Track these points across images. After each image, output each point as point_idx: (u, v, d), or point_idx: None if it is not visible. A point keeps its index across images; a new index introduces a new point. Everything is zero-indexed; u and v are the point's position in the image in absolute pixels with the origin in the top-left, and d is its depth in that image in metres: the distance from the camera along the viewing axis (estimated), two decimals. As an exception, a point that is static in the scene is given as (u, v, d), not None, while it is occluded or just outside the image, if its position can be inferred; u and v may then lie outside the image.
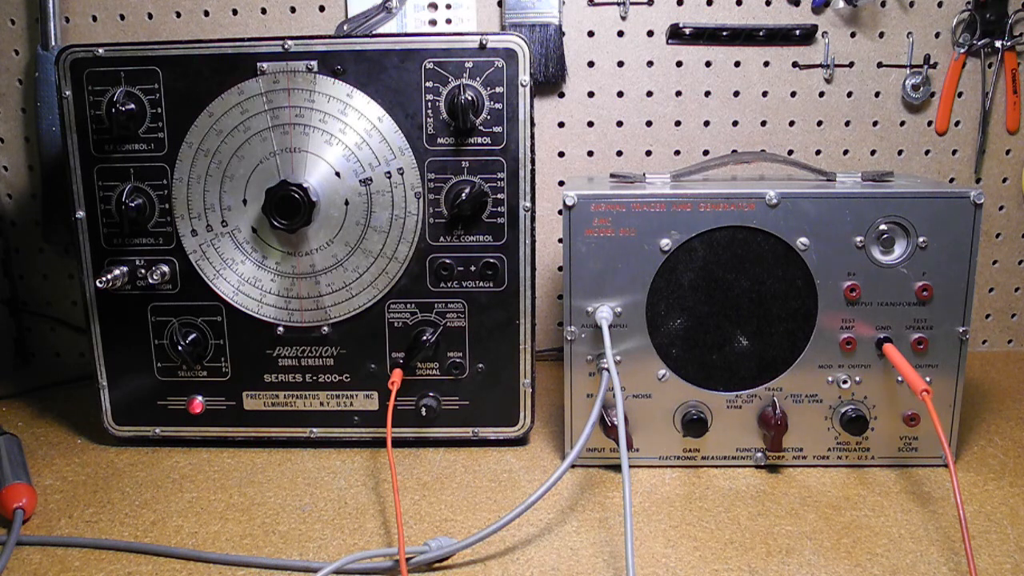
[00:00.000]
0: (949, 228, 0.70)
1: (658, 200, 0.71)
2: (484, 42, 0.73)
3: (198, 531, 0.66)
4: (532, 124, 0.75)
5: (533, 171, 0.76)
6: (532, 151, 0.75)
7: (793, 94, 1.03)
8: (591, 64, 1.03)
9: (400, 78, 0.74)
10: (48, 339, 1.10)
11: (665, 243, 0.71)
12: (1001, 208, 1.06)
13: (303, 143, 0.75)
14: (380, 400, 0.80)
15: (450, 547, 0.60)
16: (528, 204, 0.76)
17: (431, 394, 0.80)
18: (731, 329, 0.73)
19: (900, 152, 1.05)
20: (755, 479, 0.73)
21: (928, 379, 0.72)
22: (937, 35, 1.01)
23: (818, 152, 1.05)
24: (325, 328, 0.79)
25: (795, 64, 1.02)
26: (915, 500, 0.69)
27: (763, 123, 1.04)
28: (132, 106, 0.74)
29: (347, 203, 0.76)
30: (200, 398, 0.81)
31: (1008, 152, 1.05)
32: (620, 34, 1.02)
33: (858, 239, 0.70)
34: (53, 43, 0.99)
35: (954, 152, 1.05)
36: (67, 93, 0.75)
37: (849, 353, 0.72)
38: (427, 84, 0.74)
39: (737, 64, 1.02)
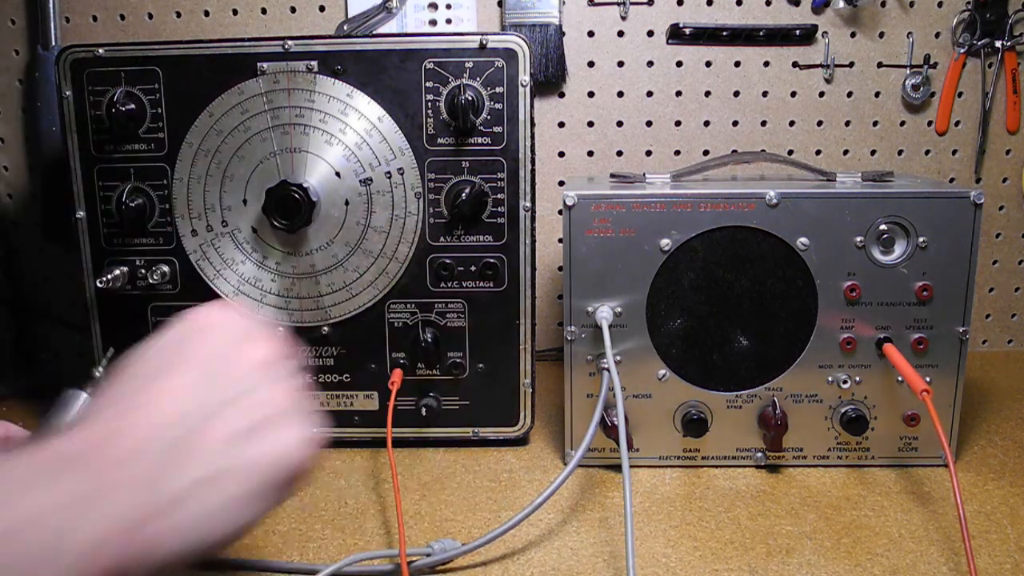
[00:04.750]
0: (949, 228, 0.70)
1: (658, 200, 0.71)
2: (484, 42, 0.73)
3: (198, 531, 0.66)
4: (532, 124, 0.75)
5: (533, 171, 0.76)
6: (532, 151, 0.75)
7: (793, 94, 1.03)
8: (591, 64, 1.03)
9: (400, 78, 0.74)
10: (48, 339, 1.10)
11: (665, 243, 0.71)
12: (1001, 208, 1.06)
13: (303, 143, 0.75)
14: (380, 400, 0.80)
15: (453, 551, 0.60)
16: (528, 204, 0.76)
17: (431, 394, 0.80)
18: (731, 329, 0.73)
19: (900, 152, 1.05)
20: (755, 479, 0.73)
21: (928, 379, 0.71)
22: (937, 35, 1.01)
23: (818, 152, 1.05)
24: (325, 328, 0.79)
25: (795, 64, 1.02)
26: (915, 500, 0.69)
27: (763, 123, 1.04)
28: (132, 106, 0.74)
29: (347, 203, 0.76)
30: (200, 398, 0.80)
31: (1008, 152, 1.05)
32: (620, 34, 1.02)
33: (858, 239, 0.70)
34: (53, 43, 0.99)
35: (954, 152, 1.05)
36: (67, 93, 0.75)
37: (849, 353, 0.72)
38: (427, 84, 0.74)
39: (737, 64, 1.02)
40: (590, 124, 1.04)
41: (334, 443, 0.82)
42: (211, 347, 0.43)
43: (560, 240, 1.01)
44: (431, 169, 0.76)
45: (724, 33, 1.00)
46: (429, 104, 0.75)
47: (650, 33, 1.02)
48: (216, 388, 0.41)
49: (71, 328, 1.09)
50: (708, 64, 1.02)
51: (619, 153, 1.05)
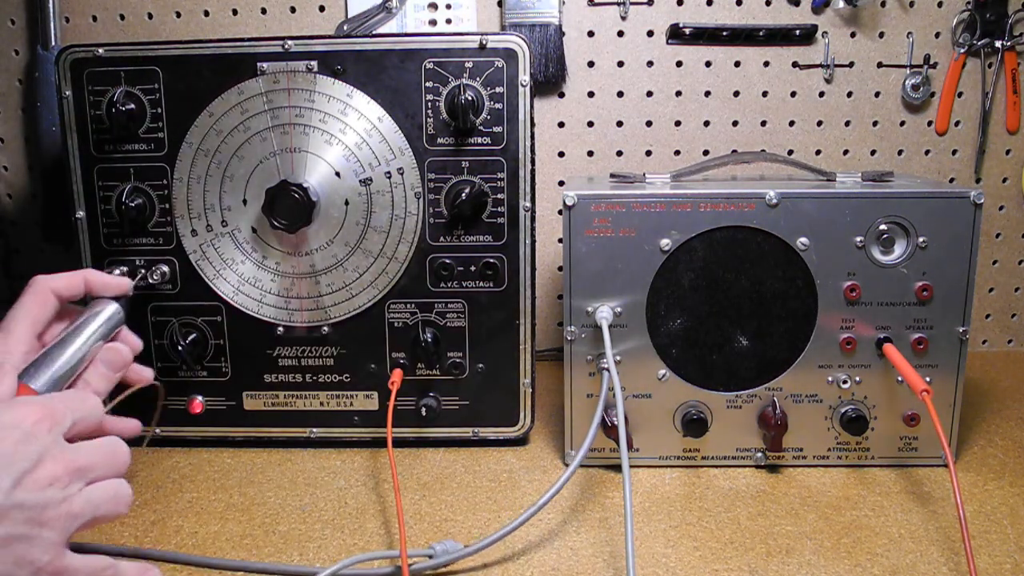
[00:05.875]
0: (949, 228, 0.70)
1: (658, 200, 0.71)
2: (484, 42, 0.73)
3: (198, 531, 0.66)
4: (532, 124, 0.75)
5: (533, 171, 0.76)
6: (532, 151, 0.75)
7: (793, 94, 1.03)
8: (591, 64, 1.03)
9: (400, 78, 0.74)
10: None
11: (665, 243, 0.71)
12: (1001, 208, 1.06)
13: (303, 143, 0.75)
14: (380, 400, 0.80)
15: (456, 553, 0.60)
16: (528, 204, 0.76)
17: (431, 394, 0.80)
18: (731, 329, 0.73)
19: (900, 152, 1.05)
20: (755, 479, 0.73)
21: (928, 379, 0.71)
22: (937, 35, 1.01)
23: (818, 152, 1.05)
24: (325, 328, 0.79)
25: (795, 64, 1.02)
26: (915, 500, 0.69)
27: (763, 123, 1.04)
28: (132, 106, 0.74)
29: (347, 203, 0.76)
30: (200, 398, 0.80)
31: (1008, 152, 1.05)
32: (620, 34, 1.02)
33: (858, 239, 0.70)
34: (53, 43, 0.99)
35: (954, 152, 1.05)
36: (67, 93, 0.75)
37: (849, 353, 0.72)
38: (427, 84, 0.74)
39: (737, 64, 1.02)
40: (590, 124, 1.04)
41: (334, 443, 0.82)
42: (20, 450, 0.45)
43: (560, 240, 1.02)
44: (431, 169, 0.76)
45: (724, 33, 1.01)
46: (429, 104, 0.75)
47: (650, 33, 1.02)
48: (4, 492, 0.44)
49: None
50: (708, 64, 1.02)
51: (619, 153, 1.05)
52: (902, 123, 1.04)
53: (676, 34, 1.01)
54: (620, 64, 1.02)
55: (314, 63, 0.74)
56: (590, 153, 1.05)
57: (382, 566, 0.60)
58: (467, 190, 0.74)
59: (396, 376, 0.77)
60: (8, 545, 0.43)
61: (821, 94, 1.03)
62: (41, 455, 0.46)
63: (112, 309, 0.64)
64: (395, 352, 0.79)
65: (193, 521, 0.68)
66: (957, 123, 1.04)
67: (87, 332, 0.61)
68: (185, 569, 0.60)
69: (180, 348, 0.77)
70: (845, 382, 0.73)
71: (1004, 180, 1.06)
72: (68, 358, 0.59)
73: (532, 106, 0.75)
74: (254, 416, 0.81)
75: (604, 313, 0.72)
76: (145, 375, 0.67)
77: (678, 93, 1.03)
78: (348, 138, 0.75)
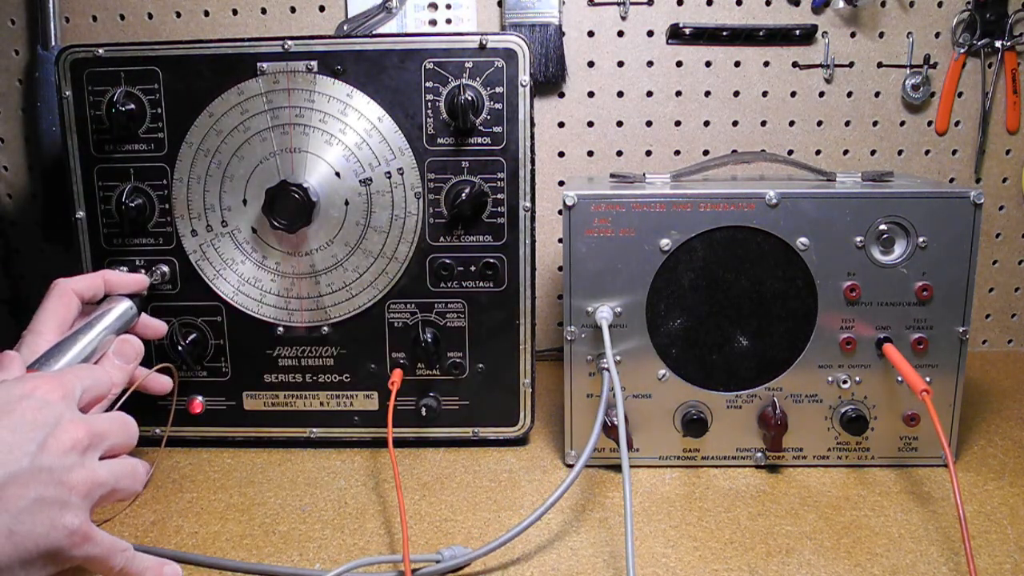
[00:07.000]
0: (949, 228, 0.70)
1: (658, 200, 0.71)
2: (484, 42, 0.73)
3: (198, 531, 0.66)
4: (532, 124, 0.75)
5: (533, 171, 0.76)
6: (532, 151, 0.75)
7: (793, 94, 1.03)
8: (591, 64, 1.03)
9: (400, 78, 0.74)
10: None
11: (665, 243, 0.71)
12: (1001, 208, 1.06)
13: (303, 143, 0.75)
14: (380, 400, 0.80)
15: (464, 557, 0.60)
16: (528, 204, 0.76)
17: (431, 394, 0.80)
18: (731, 329, 0.73)
19: (900, 152, 1.05)
20: (755, 479, 0.73)
21: (928, 379, 0.71)
22: (937, 35, 1.01)
23: (818, 152, 1.05)
24: (325, 328, 0.79)
25: (795, 64, 1.02)
26: (915, 500, 0.69)
27: (763, 123, 1.04)
28: (132, 106, 0.74)
29: (347, 203, 0.76)
30: (200, 398, 0.81)
31: (1008, 152, 1.05)
32: (620, 34, 1.02)
33: (858, 239, 0.70)
34: (53, 43, 0.99)
35: (954, 152, 1.05)
36: (67, 93, 0.75)
37: (849, 353, 0.72)
38: (427, 84, 0.74)
39: (737, 64, 1.02)
40: (590, 124, 1.04)
41: (334, 443, 0.82)
42: (39, 417, 0.47)
43: (560, 240, 1.02)
44: (431, 169, 0.76)
45: (724, 33, 1.01)
46: (429, 104, 0.75)
47: (650, 33, 1.02)
48: (30, 455, 0.45)
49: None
50: (708, 64, 1.02)
51: (619, 153, 1.05)
52: (902, 123, 1.04)
53: (676, 34, 1.01)
54: (620, 64, 1.02)
55: (314, 63, 0.74)
56: (590, 153, 1.05)
57: (385, 571, 0.60)
58: (467, 190, 0.74)
59: (396, 376, 0.77)
60: (42, 508, 0.44)
61: (821, 94, 1.03)
62: (59, 419, 0.48)
63: (125, 305, 0.67)
64: (395, 352, 0.79)
65: (193, 521, 0.68)
66: (957, 123, 1.04)
67: (98, 327, 0.63)
68: (185, 569, 0.60)
69: (180, 348, 0.77)
70: (845, 382, 0.73)
71: (1004, 180, 1.06)
72: (78, 351, 0.60)
73: (532, 106, 0.75)
74: (254, 416, 0.81)
75: (604, 313, 0.72)
76: (164, 384, 0.70)
77: (678, 93, 1.03)
78: (348, 138, 0.75)
